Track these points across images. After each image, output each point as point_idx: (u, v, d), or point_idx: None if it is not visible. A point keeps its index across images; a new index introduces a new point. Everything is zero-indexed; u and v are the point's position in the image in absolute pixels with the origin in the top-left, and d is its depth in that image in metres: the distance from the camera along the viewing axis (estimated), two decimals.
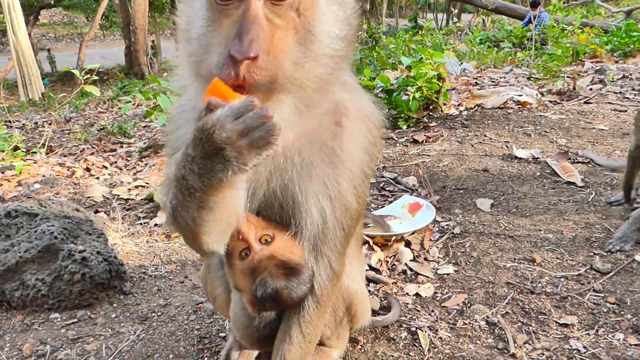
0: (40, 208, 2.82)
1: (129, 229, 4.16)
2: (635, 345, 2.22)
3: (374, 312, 2.51)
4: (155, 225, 4.23)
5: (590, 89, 6.64)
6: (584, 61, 8.70)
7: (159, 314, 2.68)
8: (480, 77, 8.71)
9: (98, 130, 9.68)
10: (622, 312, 2.43)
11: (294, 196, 1.55)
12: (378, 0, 31.17)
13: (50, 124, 10.86)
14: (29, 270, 2.57)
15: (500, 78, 8.50)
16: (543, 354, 2.20)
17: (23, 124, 10.48)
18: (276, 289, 1.60)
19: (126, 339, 2.47)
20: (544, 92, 6.81)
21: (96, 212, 4.57)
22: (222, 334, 2.49)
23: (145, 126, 9.67)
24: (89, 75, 6.94)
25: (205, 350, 2.39)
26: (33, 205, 2.83)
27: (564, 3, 23.43)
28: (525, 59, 10.51)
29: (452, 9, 29.84)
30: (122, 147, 8.33)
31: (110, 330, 2.54)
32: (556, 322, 2.41)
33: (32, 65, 15.39)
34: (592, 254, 2.94)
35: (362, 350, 2.34)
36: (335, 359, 2.21)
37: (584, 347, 2.22)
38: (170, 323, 2.59)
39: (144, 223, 4.35)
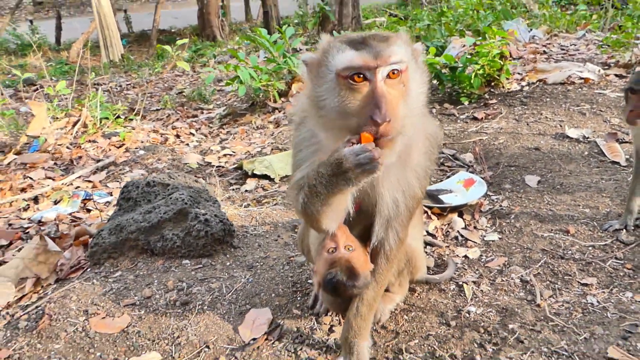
0: (170, 179, 3.66)
1: (224, 193, 5.00)
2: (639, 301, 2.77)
3: (430, 270, 3.19)
4: (246, 191, 5.04)
5: None
6: None
7: (261, 264, 3.47)
8: (549, 44, 8.66)
9: (177, 94, 10.49)
10: (636, 276, 2.97)
11: (378, 191, 2.25)
12: None
13: (133, 87, 11.91)
14: (167, 227, 3.43)
15: (571, 45, 8.41)
16: (562, 306, 2.80)
17: (110, 87, 11.54)
18: (338, 281, 2.29)
19: (239, 281, 3.28)
20: (611, 64, 6.74)
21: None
22: (310, 281, 3.25)
23: (219, 90, 10.36)
24: (179, 52, 7.85)
25: (298, 292, 3.16)
26: (164, 177, 3.67)
27: None
28: (600, 23, 10.04)
29: None
30: (202, 112, 9.14)
31: (226, 274, 3.37)
32: (579, 282, 2.98)
33: (113, 26, 16.16)
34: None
35: (419, 297, 3.03)
36: (398, 302, 2.93)
37: (597, 302, 2.79)
38: (270, 271, 3.38)
39: (236, 189, 5.17)
